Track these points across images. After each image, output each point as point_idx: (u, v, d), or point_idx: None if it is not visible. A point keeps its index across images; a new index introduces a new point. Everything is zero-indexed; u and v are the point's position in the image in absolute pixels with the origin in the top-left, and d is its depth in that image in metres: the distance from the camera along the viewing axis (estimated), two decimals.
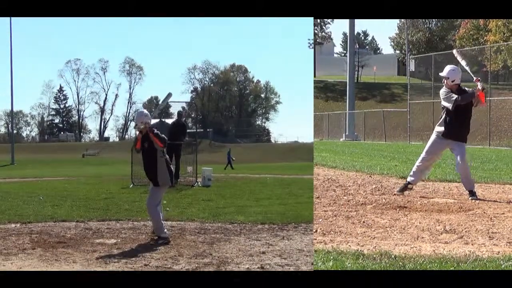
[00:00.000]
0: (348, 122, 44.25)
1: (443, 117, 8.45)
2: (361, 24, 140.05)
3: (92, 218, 9.32)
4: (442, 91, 8.43)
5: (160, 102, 12.00)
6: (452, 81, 8.31)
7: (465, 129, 8.49)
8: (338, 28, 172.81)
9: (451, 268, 4.67)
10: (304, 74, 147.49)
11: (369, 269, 4.64)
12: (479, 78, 8.42)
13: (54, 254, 6.51)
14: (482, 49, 44.03)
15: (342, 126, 45.61)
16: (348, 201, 8.27)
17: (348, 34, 52.39)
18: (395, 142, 33.18)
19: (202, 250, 6.70)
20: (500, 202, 8.14)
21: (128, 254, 6.53)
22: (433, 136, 8.66)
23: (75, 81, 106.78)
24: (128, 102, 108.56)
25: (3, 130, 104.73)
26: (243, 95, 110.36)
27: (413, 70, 39.87)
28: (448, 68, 8.39)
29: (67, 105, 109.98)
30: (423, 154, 8.71)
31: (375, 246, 5.45)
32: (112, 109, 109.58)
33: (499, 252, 5.27)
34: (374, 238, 5.88)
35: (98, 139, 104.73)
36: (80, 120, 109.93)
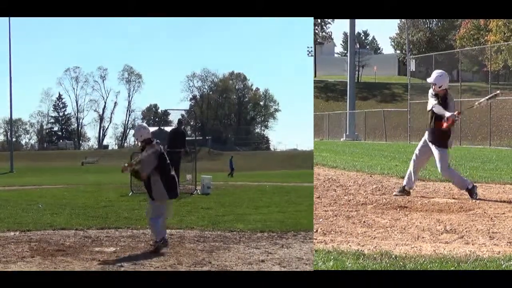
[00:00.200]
0: (348, 122, 44.21)
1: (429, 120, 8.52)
2: (361, 24, 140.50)
3: (91, 226, 9.29)
4: (429, 93, 8.45)
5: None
6: (439, 87, 8.32)
7: (444, 135, 8.42)
8: (338, 28, 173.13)
9: (452, 268, 4.67)
10: (303, 83, 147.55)
11: (369, 269, 4.64)
12: (459, 112, 8.47)
13: (53, 262, 6.49)
14: (483, 49, 44.06)
15: (342, 126, 45.57)
16: (349, 201, 8.27)
17: (348, 34, 52.40)
18: (395, 142, 33.17)
19: (201, 258, 6.68)
20: (500, 202, 8.13)
21: (126, 262, 6.51)
22: (422, 139, 8.74)
23: (74, 89, 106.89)
24: (127, 110, 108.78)
25: (2, 138, 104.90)
26: (242, 103, 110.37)
27: (414, 70, 39.86)
28: (434, 74, 8.39)
29: (66, 113, 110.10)
30: (413, 157, 8.77)
31: (375, 246, 5.45)
32: (111, 117, 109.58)
33: (499, 252, 5.27)
34: (374, 238, 5.87)
35: (97, 147, 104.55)
36: (79, 128, 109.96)
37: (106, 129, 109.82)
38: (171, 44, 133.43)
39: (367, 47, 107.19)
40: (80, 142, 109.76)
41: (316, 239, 5.84)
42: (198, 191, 15.52)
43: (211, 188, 15.84)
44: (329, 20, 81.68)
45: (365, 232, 6.15)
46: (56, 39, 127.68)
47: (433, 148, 8.44)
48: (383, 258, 4.89)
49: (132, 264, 6.38)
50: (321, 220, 6.78)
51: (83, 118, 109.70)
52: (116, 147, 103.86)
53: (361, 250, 5.19)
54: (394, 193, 8.82)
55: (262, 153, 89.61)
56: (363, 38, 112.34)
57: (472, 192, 8.32)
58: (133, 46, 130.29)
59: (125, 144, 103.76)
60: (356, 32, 59.96)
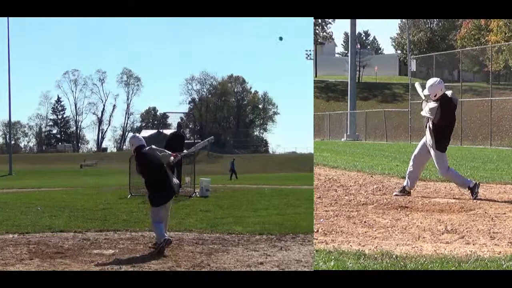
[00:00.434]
0: (349, 122, 44.18)
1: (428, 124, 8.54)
2: (362, 24, 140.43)
3: (90, 229, 9.31)
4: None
5: (200, 143, 12.14)
6: (434, 96, 8.35)
7: (442, 138, 8.44)
8: (339, 28, 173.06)
9: (452, 268, 4.66)
10: (302, 86, 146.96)
11: (370, 269, 4.63)
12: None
13: (52, 264, 6.50)
14: (484, 49, 44.00)
15: (343, 126, 45.53)
16: (349, 201, 8.26)
17: (349, 34, 52.33)
18: (396, 142, 33.13)
19: (200, 261, 6.68)
20: (501, 202, 8.12)
21: (125, 265, 6.50)
22: (422, 140, 8.75)
23: (72, 91, 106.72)
24: (126, 113, 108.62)
25: (1, 140, 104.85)
26: (240, 106, 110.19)
27: (415, 70, 39.87)
28: (427, 84, 8.43)
29: (65, 116, 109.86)
30: (412, 157, 8.79)
31: (376, 246, 5.44)
32: (110, 119, 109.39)
33: (500, 252, 5.26)
34: (375, 238, 5.87)
35: (96, 149, 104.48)
36: (78, 131, 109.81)
37: (105, 132, 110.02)
38: (170, 47, 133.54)
39: (368, 47, 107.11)
40: (79, 145, 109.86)
41: (316, 239, 5.83)
42: (197, 193, 15.51)
43: (210, 190, 15.83)
44: (330, 20, 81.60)
45: (366, 232, 6.15)
46: (55, 40, 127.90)
47: (431, 151, 8.46)
48: (384, 258, 4.89)
49: (131, 266, 6.39)
50: (321, 220, 6.78)
51: (81, 121, 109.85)
52: (114, 150, 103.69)
53: (362, 250, 5.18)
54: (395, 193, 8.81)
55: (261, 156, 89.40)
56: (364, 38, 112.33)
57: (473, 190, 8.32)
58: (132, 49, 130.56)
59: (124, 147, 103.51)
60: (357, 32, 59.92)
